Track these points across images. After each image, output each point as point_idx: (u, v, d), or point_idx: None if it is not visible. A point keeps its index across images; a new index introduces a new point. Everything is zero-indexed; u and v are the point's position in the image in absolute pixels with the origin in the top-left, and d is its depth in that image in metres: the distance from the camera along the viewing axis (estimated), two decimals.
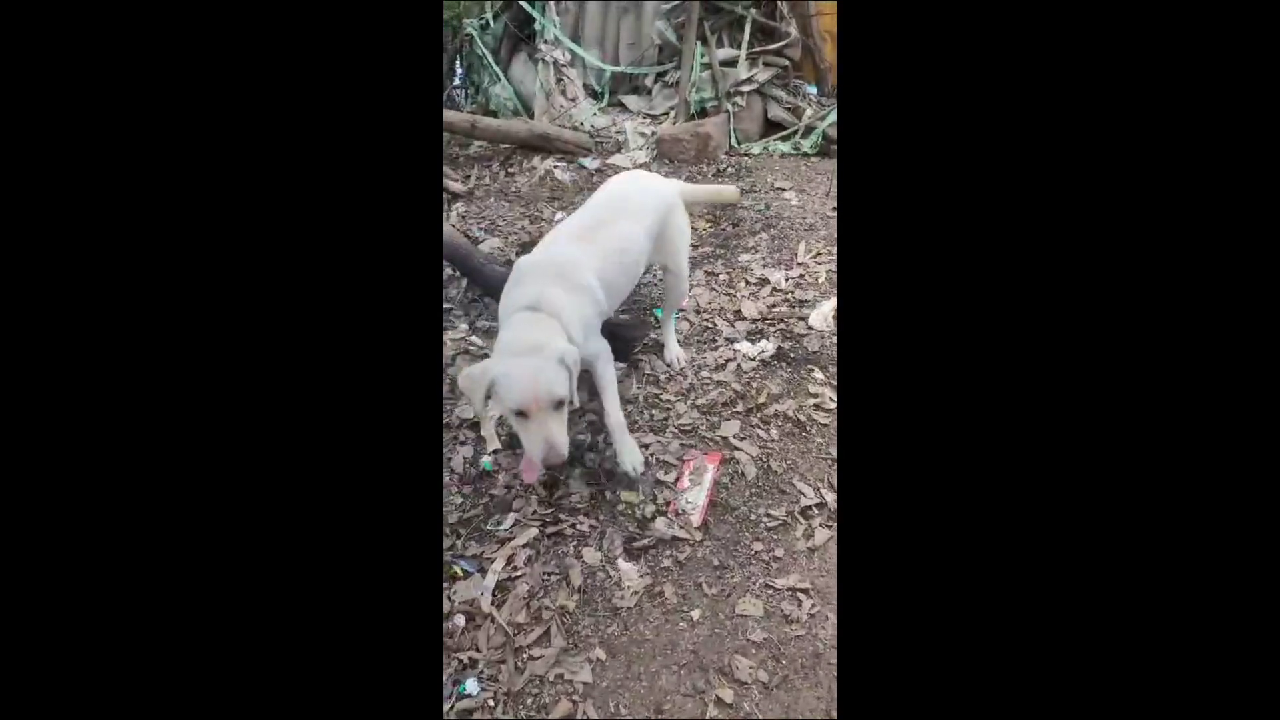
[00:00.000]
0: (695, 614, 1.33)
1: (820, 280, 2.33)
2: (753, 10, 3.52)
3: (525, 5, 3.87)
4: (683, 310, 2.18)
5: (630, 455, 1.59)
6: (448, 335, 2.19)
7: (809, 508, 1.53)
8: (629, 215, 1.71)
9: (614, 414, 1.59)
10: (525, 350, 1.38)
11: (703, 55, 3.55)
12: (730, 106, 3.50)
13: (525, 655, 1.29)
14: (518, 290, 1.54)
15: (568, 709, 1.20)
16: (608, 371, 1.63)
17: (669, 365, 1.97)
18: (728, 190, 2.24)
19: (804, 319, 2.13)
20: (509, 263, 2.53)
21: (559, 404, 1.36)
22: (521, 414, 1.35)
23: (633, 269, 1.72)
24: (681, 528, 1.49)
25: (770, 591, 1.36)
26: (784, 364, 1.97)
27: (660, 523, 1.51)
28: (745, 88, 3.48)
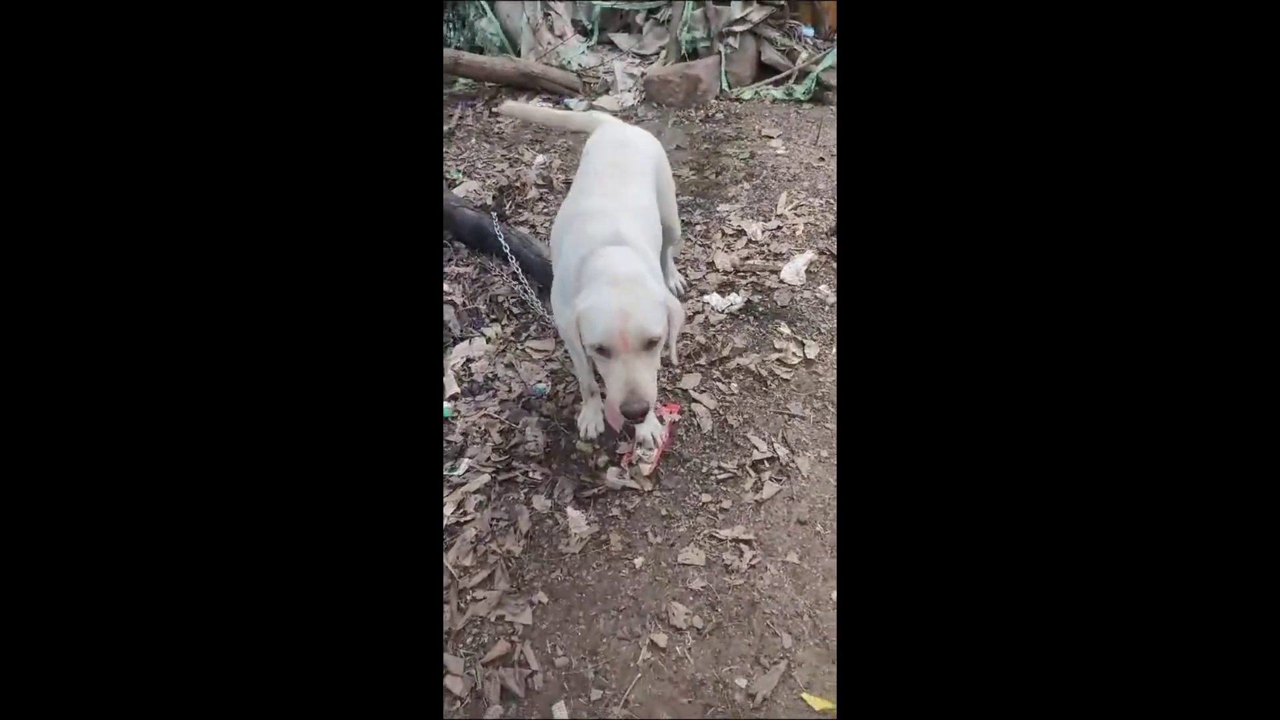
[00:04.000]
0: (638, 561, 1.35)
1: (798, 233, 2.28)
2: None
3: None
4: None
5: (650, 428, 1.55)
6: None
7: (760, 461, 1.53)
8: (635, 176, 1.54)
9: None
10: (621, 280, 1.20)
11: None
12: (722, 48, 3.35)
13: (469, 597, 1.31)
14: (591, 225, 1.34)
15: (505, 649, 1.23)
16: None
17: (673, 291, 1.96)
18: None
19: (777, 272, 2.09)
20: (483, 207, 2.48)
21: (650, 344, 1.17)
22: (604, 351, 1.17)
23: (654, 228, 1.55)
24: (632, 478, 1.50)
25: (714, 542, 1.38)
26: (751, 318, 1.94)
27: (612, 473, 1.52)
28: (738, 28, 3.32)
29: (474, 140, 3.27)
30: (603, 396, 1.45)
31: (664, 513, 1.45)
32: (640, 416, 1.17)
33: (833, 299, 1.98)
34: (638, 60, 3.65)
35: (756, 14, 3.34)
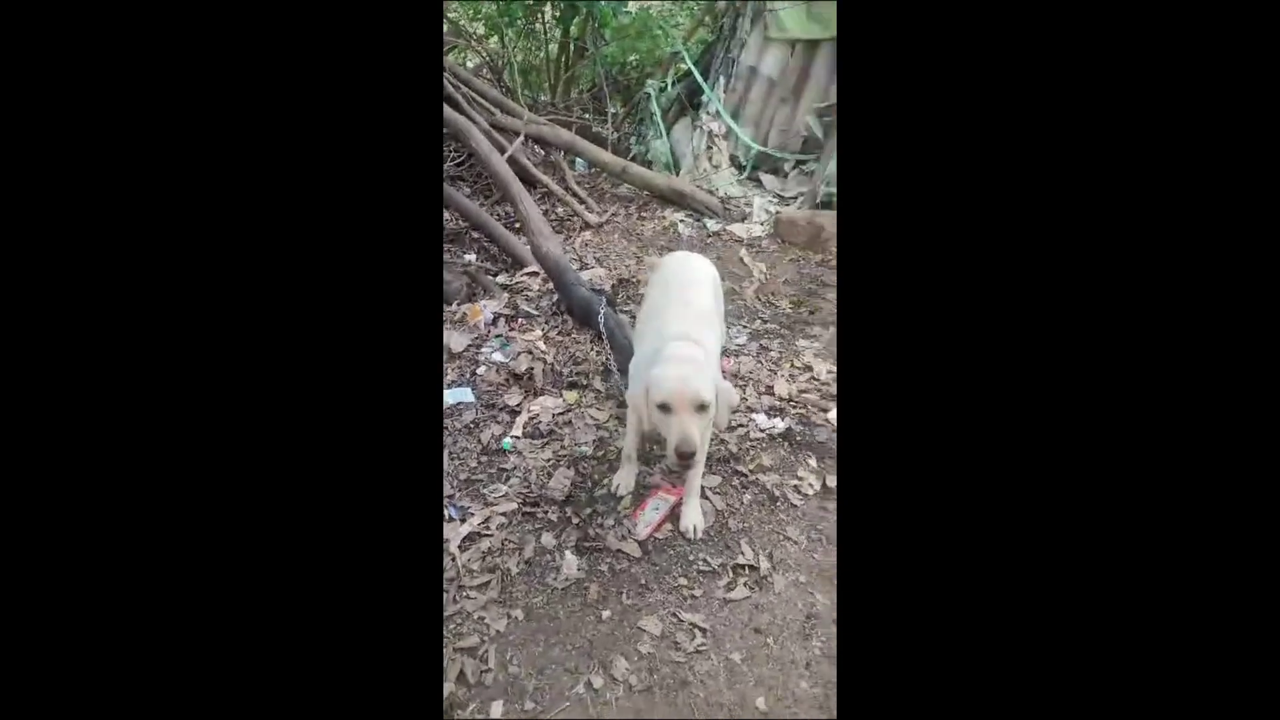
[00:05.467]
0: (605, 613, 1.56)
1: None
2: None
3: (699, 78, 4.34)
4: (724, 368, 2.40)
5: (694, 518, 1.79)
6: (523, 335, 2.59)
7: (742, 566, 1.69)
8: (700, 287, 1.96)
9: (695, 479, 1.80)
10: (685, 360, 1.56)
11: None
12: None
13: (464, 593, 1.59)
14: (669, 325, 1.71)
15: (474, 643, 1.47)
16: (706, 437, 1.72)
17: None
18: None
19: (826, 411, 2.27)
20: (594, 289, 2.92)
21: (701, 407, 1.49)
22: (665, 409, 1.49)
23: (717, 328, 1.92)
24: (626, 539, 1.73)
25: (674, 620, 1.55)
26: (787, 444, 2.12)
27: (612, 535, 1.75)
28: None
29: (617, 235, 3.80)
30: (655, 447, 1.80)
31: (643, 581, 1.64)
32: (689, 458, 1.47)
33: None
34: (777, 199, 4.07)
35: None
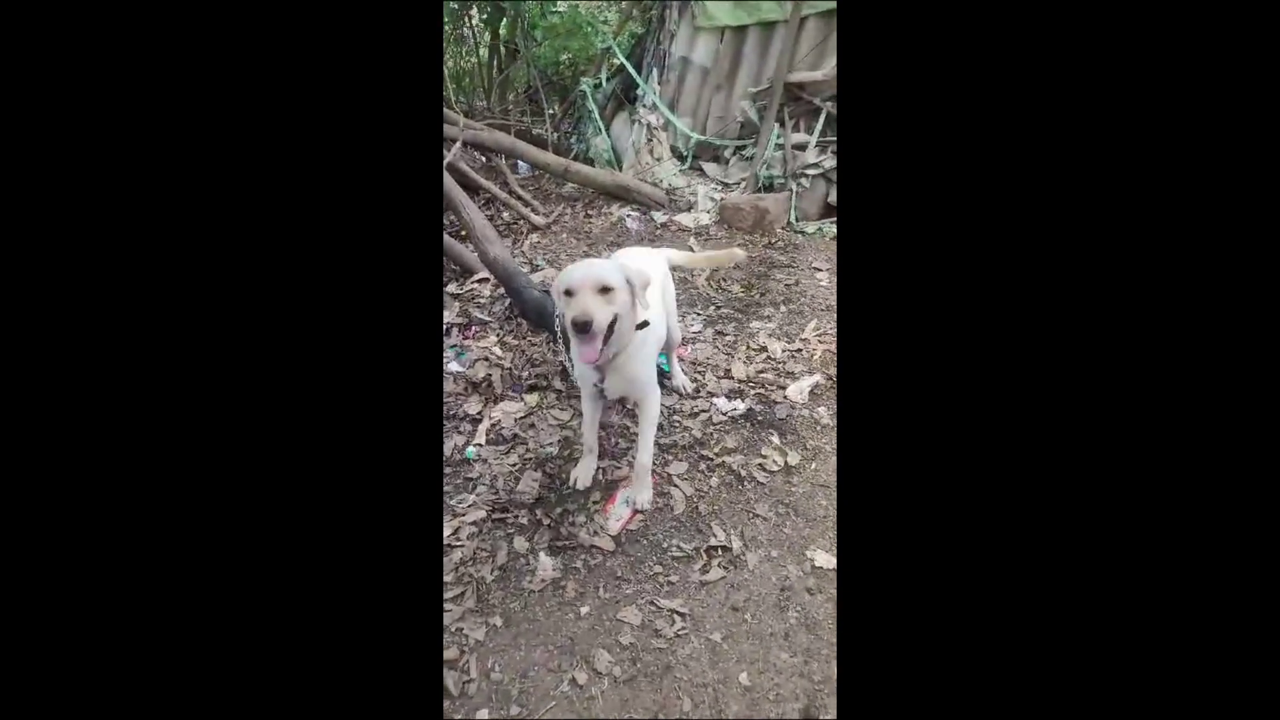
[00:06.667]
0: (584, 609, 1.56)
1: (814, 358, 2.50)
2: (829, 103, 3.77)
3: (632, 72, 4.35)
4: (682, 356, 2.42)
5: (644, 493, 1.82)
6: (478, 343, 2.57)
7: (715, 548, 1.71)
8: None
9: (644, 455, 1.80)
10: (591, 259, 1.62)
11: (778, 136, 3.84)
12: (795, 185, 3.75)
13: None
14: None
15: (454, 655, 1.46)
16: (652, 412, 1.79)
17: (679, 390, 2.29)
18: (727, 254, 2.34)
19: (783, 389, 2.31)
20: (546, 291, 2.91)
21: (604, 289, 1.50)
22: (569, 293, 1.51)
23: (659, 316, 1.90)
24: (598, 533, 1.73)
25: (653, 608, 1.57)
26: (749, 424, 2.16)
27: (584, 531, 1.75)
28: (811, 171, 3.72)
29: (565, 235, 3.79)
30: (620, 441, 1.80)
31: (619, 574, 1.65)
32: (586, 328, 1.45)
33: (826, 420, 2.17)
34: (720, 187, 4.12)
35: (829, 161, 3.73)
